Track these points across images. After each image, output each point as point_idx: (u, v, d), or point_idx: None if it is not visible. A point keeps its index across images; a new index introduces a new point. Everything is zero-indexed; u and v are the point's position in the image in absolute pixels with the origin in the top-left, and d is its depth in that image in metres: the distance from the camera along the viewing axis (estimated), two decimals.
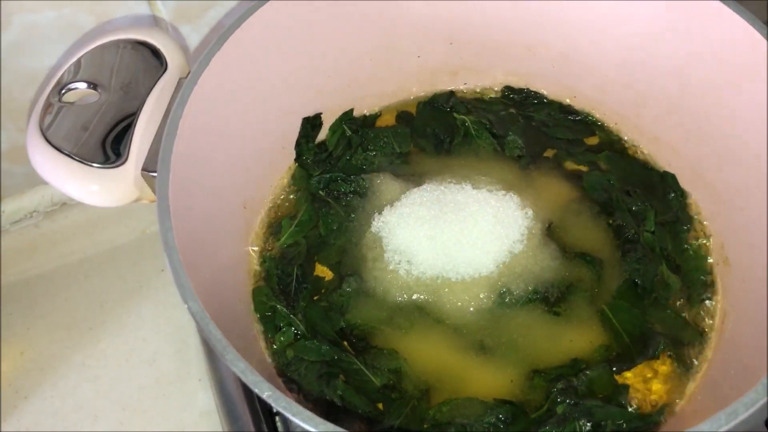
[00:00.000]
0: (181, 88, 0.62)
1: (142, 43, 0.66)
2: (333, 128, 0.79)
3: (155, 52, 0.66)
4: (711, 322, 0.67)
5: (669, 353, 0.65)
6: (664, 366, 0.65)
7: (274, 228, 0.74)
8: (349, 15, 0.73)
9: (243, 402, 0.73)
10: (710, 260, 0.71)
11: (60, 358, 0.87)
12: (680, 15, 0.67)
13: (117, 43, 0.66)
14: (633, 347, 0.65)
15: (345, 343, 0.68)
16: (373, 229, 0.72)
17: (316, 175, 0.76)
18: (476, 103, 0.81)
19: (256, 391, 0.48)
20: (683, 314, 0.68)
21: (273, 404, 0.47)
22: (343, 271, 0.71)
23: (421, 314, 0.68)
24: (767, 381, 0.47)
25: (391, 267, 0.69)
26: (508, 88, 0.82)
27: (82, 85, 0.65)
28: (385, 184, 0.75)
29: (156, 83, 0.65)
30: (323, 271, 0.72)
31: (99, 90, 0.64)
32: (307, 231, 0.74)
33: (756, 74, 0.63)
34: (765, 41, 0.61)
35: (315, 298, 0.70)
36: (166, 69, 0.66)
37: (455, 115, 0.80)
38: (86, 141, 0.62)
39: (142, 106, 0.63)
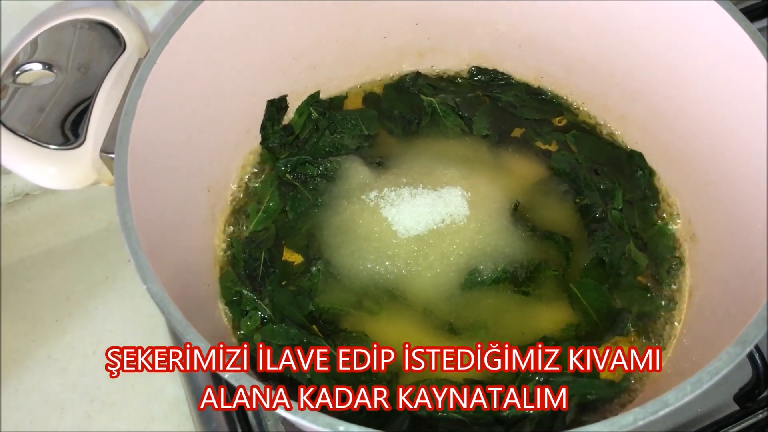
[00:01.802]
0: (139, 68, 0.60)
1: (100, 23, 0.65)
2: (299, 111, 0.78)
3: (113, 32, 0.64)
4: (679, 297, 0.67)
5: (636, 329, 0.65)
6: (632, 342, 0.65)
7: (240, 212, 0.73)
8: None
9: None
10: (678, 237, 0.71)
11: (25, 351, 0.85)
12: None
13: (74, 23, 0.64)
14: (601, 324, 0.65)
15: (314, 327, 0.67)
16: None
17: (282, 158, 0.75)
18: (443, 84, 0.81)
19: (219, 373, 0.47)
20: (652, 291, 0.68)
21: (234, 383, 0.46)
22: (312, 255, 0.70)
23: (390, 297, 0.68)
24: (732, 350, 0.47)
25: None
26: (476, 69, 0.81)
27: (38, 66, 0.63)
28: (353, 168, 0.74)
29: (114, 64, 0.63)
30: (292, 256, 0.71)
31: (55, 71, 0.63)
32: (275, 216, 0.73)
33: (721, 51, 0.63)
34: (728, 16, 0.61)
35: (283, 282, 0.69)
36: (124, 49, 0.64)
37: (422, 96, 0.79)
38: (43, 123, 0.60)
39: (100, 86, 0.62)
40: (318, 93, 0.79)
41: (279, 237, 0.72)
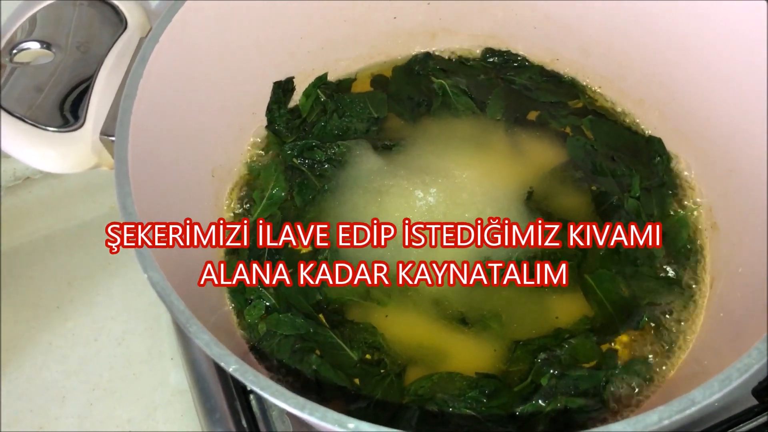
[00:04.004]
0: (141, 47, 0.58)
1: (100, 0, 0.62)
2: (307, 93, 0.76)
3: (114, 10, 0.62)
4: (699, 288, 0.65)
5: (653, 323, 0.63)
6: (649, 335, 0.63)
7: (245, 198, 0.71)
8: None
9: (216, 381, 0.70)
10: (697, 226, 0.68)
11: (26, 338, 0.84)
12: None
13: (73, 0, 0.62)
14: (617, 317, 0.63)
15: (321, 316, 0.65)
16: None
17: (289, 142, 0.73)
18: (455, 67, 0.78)
19: (222, 364, 0.45)
20: (670, 282, 0.65)
21: (240, 377, 0.44)
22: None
23: (400, 287, 0.65)
24: (763, 346, 0.45)
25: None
26: (489, 51, 0.79)
27: (36, 45, 0.61)
28: (362, 154, 0.72)
29: (115, 43, 0.61)
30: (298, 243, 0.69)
31: (54, 50, 0.60)
32: (280, 203, 0.71)
33: (742, 33, 0.60)
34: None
35: (290, 271, 0.67)
36: (125, 27, 0.62)
37: (433, 79, 0.77)
38: (41, 104, 0.58)
39: (100, 66, 0.59)
40: (326, 75, 0.77)
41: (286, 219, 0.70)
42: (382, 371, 0.62)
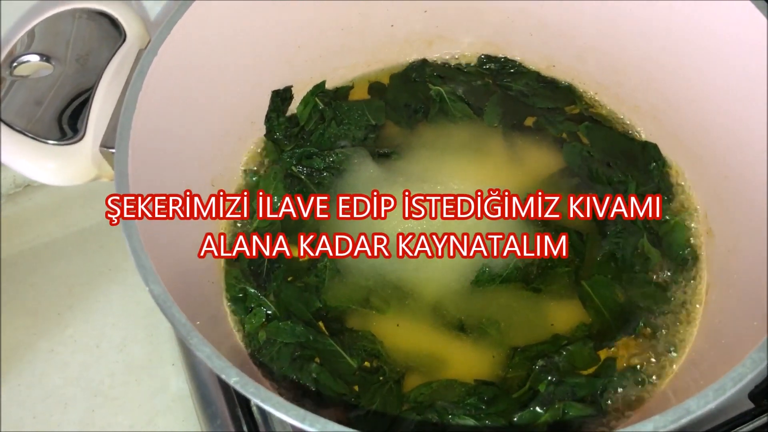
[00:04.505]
0: (140, 59, 0.58)
1: (99, 13, 0.63)
2: (305, 101, 0.76)
3: (113, 22, 0.62)
4: (695, 294, 0.65)
5: (650, 328, 0.63)
6: (646, 341, 0.63)
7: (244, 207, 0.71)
8: None
9: (217, 387, 0.70)
10: (693, 231, 0.69)
11: (27, 345, 0.84)
12: None
13: (73, 13, 0.62)
14: (613, 323, 0.63)
15: (320, 323, 0.65)
16: None
17: (288, 150, 0.73)
18: (451, 74, 0.78)
19: (223, 376, 0.45)
20: (666, 288, 0.66)
21: (241, 390, 0.45)
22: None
23: (399, 294, 0.66)
24: (757, 355, 0.45)
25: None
26: (486, 57, 0.79)
27: (35, 58, 0.61)
28: (360, 161, 0.72)
29: (114, 55, 0.61)
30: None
31: (53, 62, 0.61)
32: (280, 211, 0.71)
33: (736, 38, 0.61)
34: (748, 2, 0.59)
35: (289, 278, 0.68)
36: (124, 40, 0.62)
37: (430, 86, 0.77)
38: (41, 117, 0.58)
39: (100, 79, 0.60)
40: (323, 83, 0.77)
41: (285, 231, 0.70)
42: (381, 378, 0.62)
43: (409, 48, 0.79)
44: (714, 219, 0.67)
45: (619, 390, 0.60)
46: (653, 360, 0.62)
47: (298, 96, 0.76)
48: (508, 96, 0.77)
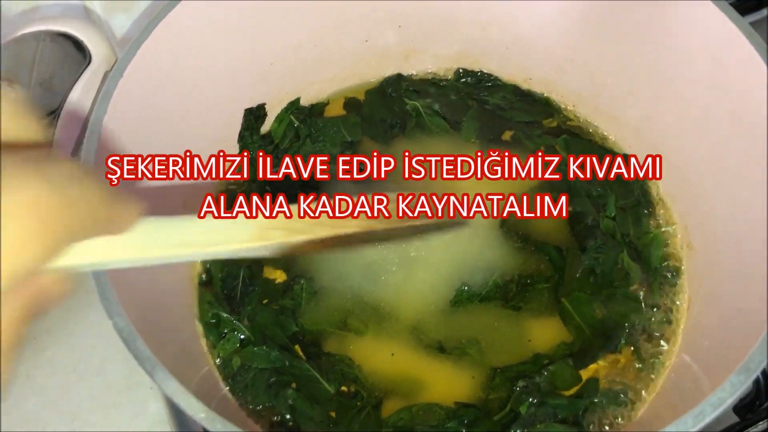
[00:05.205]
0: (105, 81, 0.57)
1: (62, 35, 0.61)
2: (279, 118, 0.75)
3: (77, 44, 0.61)
4: (677, 310, 0.64)
5: (632, 346, 0.62)
6: (626, 359, 0.62)
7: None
8: None
9: None
10: (673, 245, 0.68)
11: None
12: None
13: (36, 35, 0.61)
14: (594, 340, 0.62)
15: (297, 346, 0.64)
16: None
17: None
18: (428, 88, 0.77)
19: (190, 413, 0.44)
20: (646, 303, 0.65)
21: (208, 427, 0.43)
22: (294, 272, 0.67)
23: (377, 316, 0.65)
24: (734, 379, 0.44)
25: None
26: (463, 70, 0.78)
27: None
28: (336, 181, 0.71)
29: (79, 78, 0.60)
30: (273, 273, 0.68)
31: (16, 87, 0.59)
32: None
33: (716, 52, 0.60)
34: (724, 16, 0.58)
35: (264, 302, 0.66)
36: (89, 62, 0.61)
37: (406, 100, 0.76)
38: None
39: (64, 102, 0.58)
40: (298, 100, 0.76)
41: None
42: (359, 404, 0.61)
43: (385, 62, 0.78)
44: (694, 233, 0.66)
45: (602, 411, 0.59)
46: (635, 378, 0.61)
47: (272, 112, 0.75)
48: (485, 110, 0.76)
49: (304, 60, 0.74)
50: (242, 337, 0.63)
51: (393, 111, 0.76)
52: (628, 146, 0.73)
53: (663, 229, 0.68)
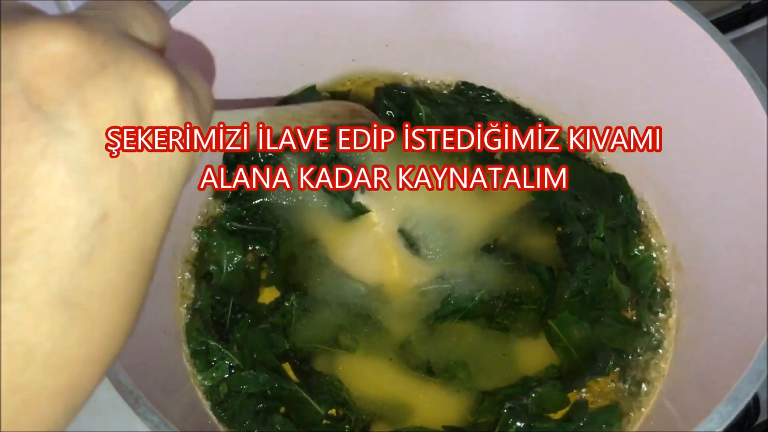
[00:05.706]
0: None
1: None
2: None
3: None
4: (666, 332, 0.64)
5: (619, 369, 0.62)
6: (614, 383, 0.62)
7: (204, 250, 0.69)
8: (276, 16, 0.68)
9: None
10: (663, 266, 0.68)
11: None
12: (618, 11, 0.63)
13: None
14: (582, 363, 0.62)
15: (287, 365, 0.64)
16: None
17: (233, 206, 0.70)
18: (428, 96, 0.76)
19: None
20: (636, 325, 0.64)
21: None
22: (287, 287, 0.67)
23: (367, 330, 0.64)
24: (722, 409, 0.44)
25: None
26: (464, 84, 0.77)
27: None
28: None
29: None
30: (264, 297, 0.68)
31: None
32: (243, 266, 0.68)
33: (705, 71, 0.60)
34: (708, 36, 0.58)
35: (254, 323, 0.65)
36: None
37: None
38: None
39: None
40: None
41: (252, 278, 0.68)
42: (347, 427, 0.60)
43: (373, 82, 0.77)
44: (683, 253, 0.66)
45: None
46: (624, 401, 0.61)
47: None
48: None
49: (289, 80, 0.73)
50: (231, 365, 0.62)
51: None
52: (617, 166, 0.72)
53: (652, 251, 0.68)
